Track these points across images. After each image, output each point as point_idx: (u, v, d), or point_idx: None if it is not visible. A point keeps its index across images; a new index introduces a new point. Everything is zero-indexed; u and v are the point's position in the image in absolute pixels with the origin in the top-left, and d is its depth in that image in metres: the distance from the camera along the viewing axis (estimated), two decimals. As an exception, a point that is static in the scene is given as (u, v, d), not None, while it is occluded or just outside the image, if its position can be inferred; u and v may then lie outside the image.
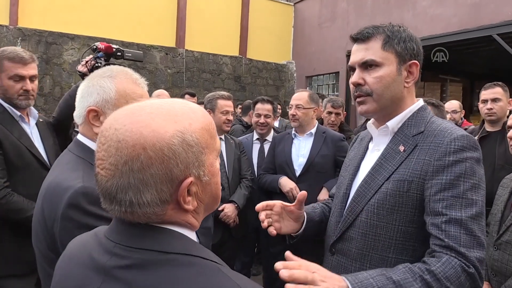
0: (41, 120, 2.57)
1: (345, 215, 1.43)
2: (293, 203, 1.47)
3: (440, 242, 1.19)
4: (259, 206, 1.45)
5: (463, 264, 1.14)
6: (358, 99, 1.41)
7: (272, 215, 1.45)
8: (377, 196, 1.33)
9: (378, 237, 1.32)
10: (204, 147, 0.79)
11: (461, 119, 5.25)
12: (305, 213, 1.54)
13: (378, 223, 1.32)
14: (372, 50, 1.37)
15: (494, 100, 3.19)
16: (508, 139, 2.36)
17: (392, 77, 1.36)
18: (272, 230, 1.43)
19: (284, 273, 1.00)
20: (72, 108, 2.42)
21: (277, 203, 1.47)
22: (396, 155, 1.35)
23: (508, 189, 2.30)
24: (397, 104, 1.40)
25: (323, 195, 3.11)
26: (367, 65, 1.37)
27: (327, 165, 3.23)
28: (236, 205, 3.29)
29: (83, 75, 2.29)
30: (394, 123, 1.40)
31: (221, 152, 3.37)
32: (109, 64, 2.16)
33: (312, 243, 3.10)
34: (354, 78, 1.40)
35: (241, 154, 3.53)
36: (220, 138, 3.38)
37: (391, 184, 1.31)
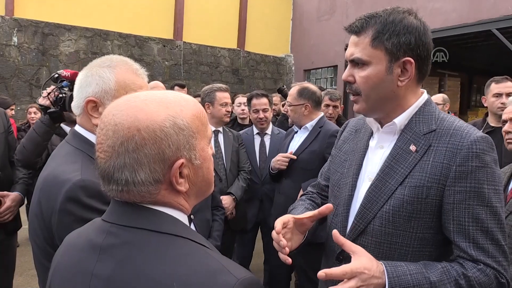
0: None
1: (355, 222, 1.32)
2: (310, 215, 1.32)
3: (467, 256, 1.17)
4: (279, 228, 1.27)
5: (497, 274, 1.16)
6: (351, 98, 1.34)
7: (286, 234, 1.31)
8: (392, 203, 1.24)
9: (393, 245, 1.25)
10: (195, 132, 0.84)
11: (448, 112, 5.21)
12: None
13: (393, 231, 1.24)
14: (360, 47, 1.25)
15: (508, 94, 3.15)
16: (504, 133, 2.34)
17: (380, 77, 1.24)
18: (288, 260, 1.26)
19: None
20: (40, 146, 2.26)
21: (290, 219, 1.32)
22: (408, 156, 1.25)
23: (503, 182, 2.30)
24: (392, 103, 1.29)
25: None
26: (356, 62, 1.28)
27: (314, 162, 2.96)
28: (234, 197, 3.29)
29: (45, 109, 2.13)
30: (401, 119, 1.29)
31: (219, 144, 3.35)
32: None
33: (307, 246, 3.10)
34: (344, 74, 1.31)
35: (239, 147, 3.51)
36: (218, 131, 3.36)
37: (408, 190, 1.22)
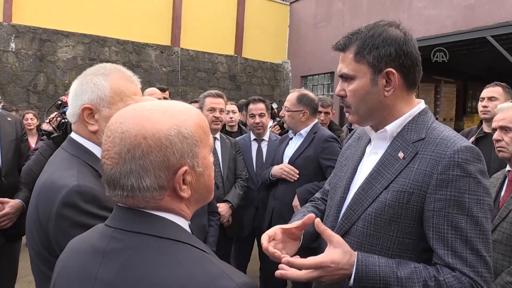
0: (9, 119, 2.75)
1: (341, 222, 1.38)
2: (296, 225, 1.38)
3: (444, 263, 1.18)
4: (265, 244, 1.34)
5: (473, 283, 1.14)
6: (345, 110, 1.41)
7: (277, 245, 1.37)
8: (375, 206, 1.28)
9: (374, 247, 1.27)
10: (197, 140, 0.88)
11: None
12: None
13: (374, 233, 1.28)
14: (346, 62, 1.33)
15: (490, 98, 3.21)
16: (494, 141, 2.36)
17: (366, 90, 1.30)
18: (283, 260, 1.27)
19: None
20: None
21: (277, 231, 1.39)
22: (395, 162, 1.29)
23: (495, 189, 2.32)
24: (382, 113, 1.33)
25: (295, 201, 3.03)
26: (345, 77, 1.34)
27: (310, 167, 3.04)
28: (230, 204, 3.27)
29: (48, 134, 2.20)
30: (393, 127, 1.33)
31: (216, 151, 3.32)
32: None
33: (307, 251, 3.08)
34: (337, 90, 1.39)
35: (236, 154, 3.49)
36: (216, 138, 3.34)
37: (390, 195, 1.25)
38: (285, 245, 1.41)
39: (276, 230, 1.39)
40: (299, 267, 1.18)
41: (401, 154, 1.29)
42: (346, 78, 1.34)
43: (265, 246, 1.34)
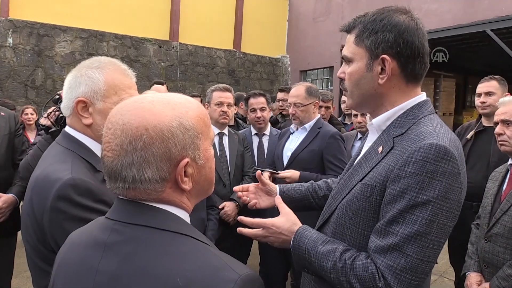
0: (2, 113, 2.73)
1: (324, 210, 1.42)
2: (255, 184, 1.75)
3: (369, 249, 1.19)
4: (236, 188, 1.73)
5: (377, 275, 1.12)
6: (343, 93, 1.43)
7: (249, 194, 1.73)
8: (348, 197, 1.29)
9: (344, 237, 1.28)
10: (199, 133, 0.87)
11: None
12: (278, 189, 1.76)
13: (345, 223, 1.28)
14: (348, 44, 1.31)
15: (488, 93, 3.18)
16: (496, 135, 2.35)
17: (360, 74, 1.27)
18: (251, 205, 1.71)
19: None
20: None
21: (251, 185, 1.74)
22: (374, 156, 1.27)
23: (497, 182, 2.32)
24: (375, 101, 1.30)
25: None
26: (345, 60, 1.32)
27: (314, 161, 3.01)
28: (237, 203, 3.17)
29: (47, 128, 2.17)
30: (380, 120, 1.30)
31: (224, 147, 3.24)
32: None
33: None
34: (338, 72, 1.37)
35: (244, 150, 3.40)
36: (223, 133, 3.26)
37: (358, 187, 1.25)
38: (258, 198, 1.73)
39: (250, 185, 1.75)
40: (246, 223, 1.38)
41: (380, 149, 1.26)
42: (346, 60, 1.32)
43: (236, 189, 1.73)
